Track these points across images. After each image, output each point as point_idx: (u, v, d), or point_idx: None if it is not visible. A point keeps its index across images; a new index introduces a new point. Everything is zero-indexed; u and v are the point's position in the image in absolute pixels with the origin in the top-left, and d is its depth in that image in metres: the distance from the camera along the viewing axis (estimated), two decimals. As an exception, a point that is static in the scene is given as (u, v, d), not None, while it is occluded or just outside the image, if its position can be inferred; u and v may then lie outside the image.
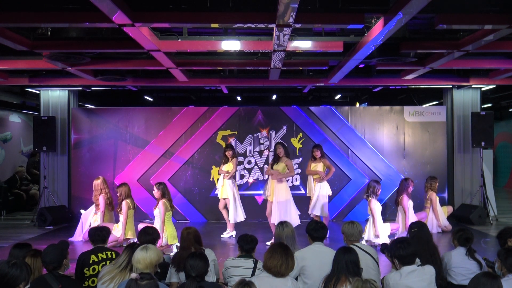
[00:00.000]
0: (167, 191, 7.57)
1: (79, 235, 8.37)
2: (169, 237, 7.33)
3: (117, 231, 7.75)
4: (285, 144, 8.36)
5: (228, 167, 8.65)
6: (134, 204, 7.95)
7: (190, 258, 3.60)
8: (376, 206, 7.75)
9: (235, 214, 8.55)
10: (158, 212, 7.36)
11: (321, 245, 4.44)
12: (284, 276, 3.65)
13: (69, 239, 8.28)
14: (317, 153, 8.45)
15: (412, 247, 3.69)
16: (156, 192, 7.46)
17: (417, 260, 3.78)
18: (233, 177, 8.73)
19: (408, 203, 8.24)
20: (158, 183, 7.59)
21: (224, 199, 8.68)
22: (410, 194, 8.39)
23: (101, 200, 8.11)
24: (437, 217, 8.96)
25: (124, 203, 7.72)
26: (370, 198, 7.79)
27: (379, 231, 7.64)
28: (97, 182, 8.25)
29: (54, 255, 3.77)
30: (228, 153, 8.69)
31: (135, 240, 7.08)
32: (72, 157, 10.74)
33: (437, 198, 9.14)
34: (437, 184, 9.19)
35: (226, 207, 8.73)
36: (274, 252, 3.66)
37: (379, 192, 7.82)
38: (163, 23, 5.81)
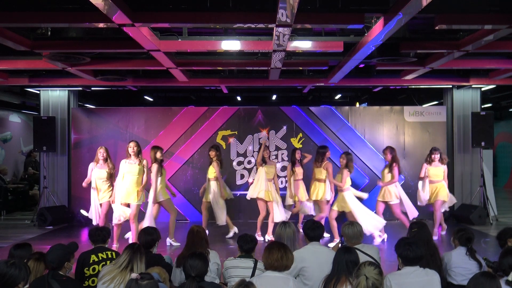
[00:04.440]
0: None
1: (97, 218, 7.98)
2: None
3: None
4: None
5: (211, 170, 8.51)
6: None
7: (189, 258, 3.60)
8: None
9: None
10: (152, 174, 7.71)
11: (318, 244, 4.43)
12: (288, 268, 3.67)
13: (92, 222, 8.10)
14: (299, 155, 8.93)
15: (420, 250, 3.69)
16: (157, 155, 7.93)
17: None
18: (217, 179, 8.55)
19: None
20: (155, 147, 8.02)
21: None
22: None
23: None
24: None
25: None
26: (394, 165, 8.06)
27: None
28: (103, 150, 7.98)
29: (55, 255, 3.76)
30: (212, 153, 8.57)
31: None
32: (72, 157, 10.74)
33: (441, 170, 8.62)
34: (436, 154, 8.53)
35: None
36: (271, 249, 3.70)
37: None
38: (163, 23, 5.81)
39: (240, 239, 4.35)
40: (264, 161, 8.36)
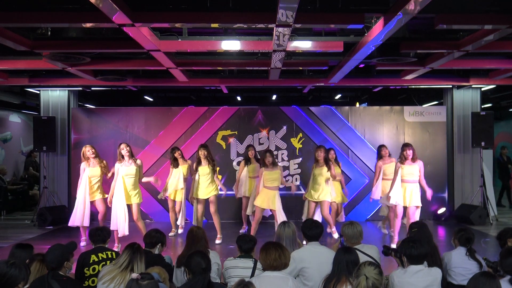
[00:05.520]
0: None
1: (79, 220, 7.70)
2: None
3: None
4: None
5: (183, 169, 8.74)
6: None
7: (194, 255, 3.59)
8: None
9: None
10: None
11: (317, 244, 4.43)
12: (287, 265, 3.69)
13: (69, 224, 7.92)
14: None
15: (424, 248, 3.71)
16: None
17: (425, 262, 3.81)
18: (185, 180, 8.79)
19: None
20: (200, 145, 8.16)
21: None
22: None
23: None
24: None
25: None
26: None
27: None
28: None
29: (54, 255, 3.76)
30: (178, 154, 8.76)
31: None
32: (72, 157, 10.74)
33: (402, 167, 7.64)
34: (408, 151, 7.59)
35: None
36: (268, 249, 3.72)
37: None
38: (163, 23, 5.81)
39: (240, 239, 4.35)
40: (248, 161, 8.86)
